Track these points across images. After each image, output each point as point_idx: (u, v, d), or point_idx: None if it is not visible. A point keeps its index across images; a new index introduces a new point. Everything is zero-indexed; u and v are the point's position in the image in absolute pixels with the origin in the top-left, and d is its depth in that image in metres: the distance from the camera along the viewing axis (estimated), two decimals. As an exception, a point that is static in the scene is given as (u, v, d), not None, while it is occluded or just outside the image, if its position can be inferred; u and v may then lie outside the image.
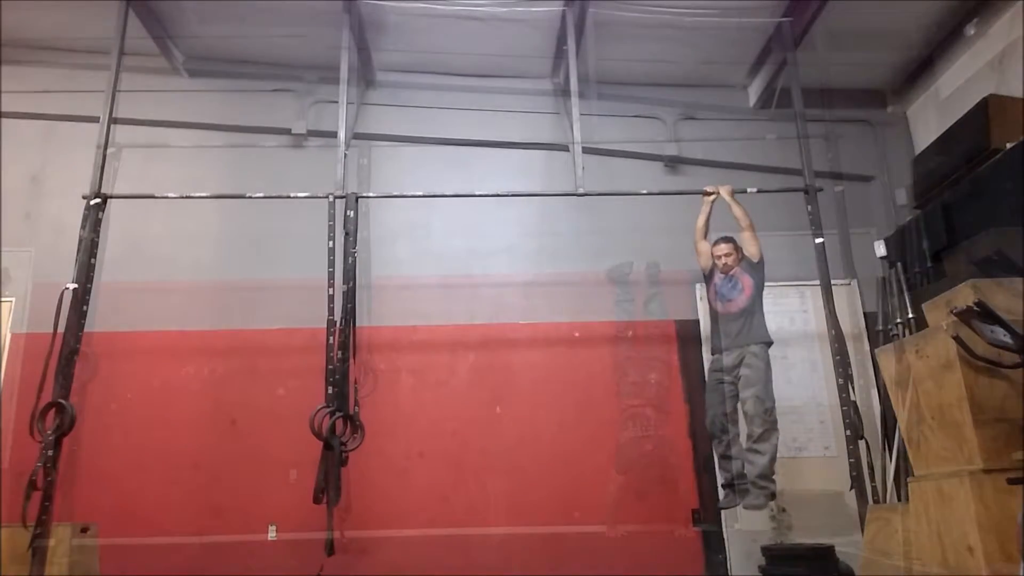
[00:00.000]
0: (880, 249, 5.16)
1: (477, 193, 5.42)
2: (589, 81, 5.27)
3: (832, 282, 5.04)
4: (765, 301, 4.80)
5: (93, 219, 4.58)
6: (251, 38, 5.69)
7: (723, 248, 4.80)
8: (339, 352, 4.47)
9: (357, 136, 5.47)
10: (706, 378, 4.88)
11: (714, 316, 4.82)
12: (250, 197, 5.24)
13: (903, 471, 3.94)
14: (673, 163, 5.93)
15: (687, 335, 5.54)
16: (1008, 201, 4.08)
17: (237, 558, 4.75)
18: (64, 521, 4.19)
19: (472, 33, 5.64)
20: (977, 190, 4.48)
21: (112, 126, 4.82)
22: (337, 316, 4.59)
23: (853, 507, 4.63)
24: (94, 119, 4.86)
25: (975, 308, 3.24)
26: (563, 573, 3.93)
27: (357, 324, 4.65)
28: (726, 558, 5.05)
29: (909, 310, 4.38)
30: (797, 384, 5.45)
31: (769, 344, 4.60)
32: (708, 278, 4.89)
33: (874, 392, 4.83)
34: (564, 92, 5.58)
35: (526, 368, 5.51)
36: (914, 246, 4.91)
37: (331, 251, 4.73)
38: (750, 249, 4.74)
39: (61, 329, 4.29)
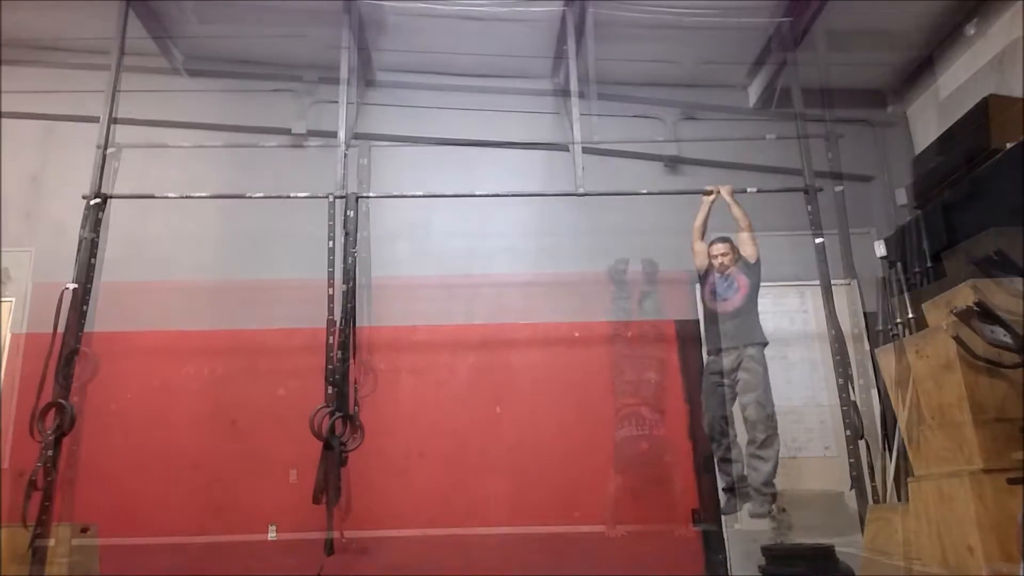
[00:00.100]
0: (880, 249, 5.15)
1: (477, 193, 5.42)
2: (589, 81, 5.27)
3: (832, 282, 5.03)
4: (765, 301, 4.79)
5: (93, 219, 4.58)
6: (251, 38, 5.70)
7: (719, 248, 4.80)
8: (339, 352, 4.48)
9: (357, 136, 5.47)
10: (702, 380, 4.88)
11: (709, 316, 4.81)
12: (250, 197, 5.25)
13: (903, 471, 3.94)
14: (673, 163, 5.93)
15: (687, 335, 5.54)
16: (1008, 201, 4.08)
17: (237, 558, 4.75)
18: (64, 521, 4.19)
19: (472, 33, 5.64)
20: (977, 190, 4.47)
21: (112, 126, 4.82)
22: (337, 316, 4.59)
23: (853, 507, 4.64)
24: (94, 119, 4.86)
25: (975, 308, 3.25)
26: (563, 573, 3.94)
27: (357, 324, 4.65)
28: (726, 558, 5.05)
29: (909, 310, 4.37)
30: (797, 384, 5.44)
31: (765, 345, 4.60)
32: (703, 278, 4.89)
33: (874, 392, 4.82)
34: (564, 92, 5.58)
35: (526, 368, 5.51)
36: (914, 246, 4.91)
37: (331, 251, 4.74)
38: (747, 250, 4.74)
39: (61, 329, 4.29)
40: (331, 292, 4.64)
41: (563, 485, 5.19)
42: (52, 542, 4.16)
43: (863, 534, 4.15)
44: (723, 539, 5.06)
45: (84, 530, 4.54)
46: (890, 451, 4.22)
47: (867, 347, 4.68)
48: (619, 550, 4.57)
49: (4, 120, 5.42)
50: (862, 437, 4.58)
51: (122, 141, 4.84)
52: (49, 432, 4.10)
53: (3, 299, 5.36)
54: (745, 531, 5.04)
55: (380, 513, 5.07)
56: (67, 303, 4.35)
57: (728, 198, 4.86)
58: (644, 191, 5.56)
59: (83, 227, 4.56)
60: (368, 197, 5.11)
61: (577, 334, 5.57)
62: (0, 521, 4.04)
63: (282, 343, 5.38)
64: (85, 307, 4.44)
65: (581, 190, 5.05)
